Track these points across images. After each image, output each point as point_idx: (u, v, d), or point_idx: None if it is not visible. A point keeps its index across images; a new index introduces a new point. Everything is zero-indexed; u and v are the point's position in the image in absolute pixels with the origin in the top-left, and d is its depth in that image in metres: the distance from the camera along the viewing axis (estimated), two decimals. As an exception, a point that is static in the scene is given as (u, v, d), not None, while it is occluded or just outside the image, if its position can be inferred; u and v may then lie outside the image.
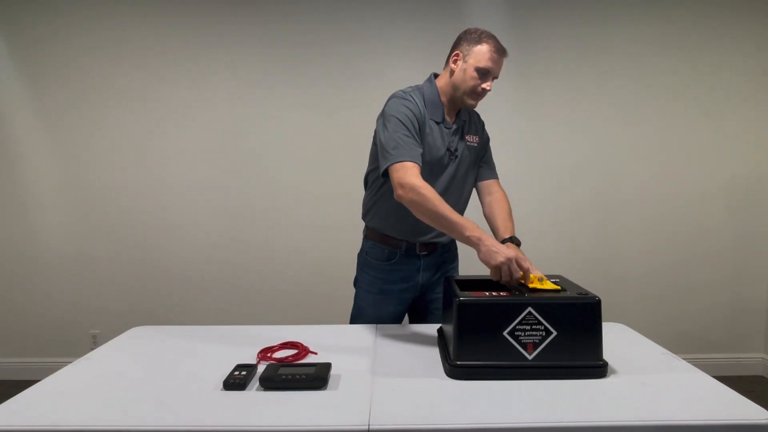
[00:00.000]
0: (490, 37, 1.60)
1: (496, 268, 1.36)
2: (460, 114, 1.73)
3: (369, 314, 1.78)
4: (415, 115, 1.59)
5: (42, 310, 3.11)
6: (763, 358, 3.15)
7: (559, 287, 1.30)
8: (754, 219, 3.09)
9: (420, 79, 1.76)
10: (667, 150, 3.05)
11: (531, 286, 1.31)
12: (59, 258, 3.08)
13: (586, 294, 1.25)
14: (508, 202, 1.77)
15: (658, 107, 3.03)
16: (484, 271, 1.44)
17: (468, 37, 1.62)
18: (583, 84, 3.02)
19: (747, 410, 1.02)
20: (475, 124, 1.80)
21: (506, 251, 1.36)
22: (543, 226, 3.06)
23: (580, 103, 3.03)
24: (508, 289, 1.34)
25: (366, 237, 1.83)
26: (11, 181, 3.05)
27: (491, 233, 1.65)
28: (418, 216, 1.49)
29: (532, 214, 3.05)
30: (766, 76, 3.01)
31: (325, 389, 1.14)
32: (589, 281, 1.37)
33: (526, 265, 1.36)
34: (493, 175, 1.84)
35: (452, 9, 2.97)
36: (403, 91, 1.66)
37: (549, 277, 1.40)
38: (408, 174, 1.48)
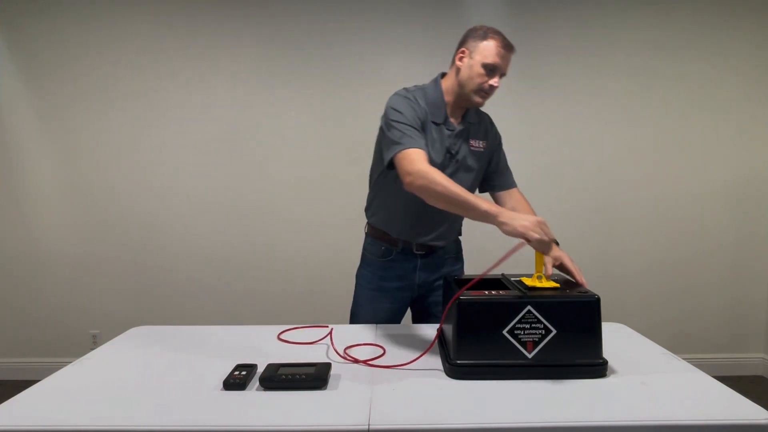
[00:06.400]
0: (497, 33, 1.59)
1: (531, 231, 1.23)
2: (467, 116, 1.69)
3: (365, 310, 1.79)
4: (416, 111, 1.58)
5: (42, 310, 3.11)
6: (763, 358, 3.15)
7: (558, 285, 1.30)
8: (754, 219, 3.09)
9: (419, 79, 1.76)
10: (668, 150, 3.05)
11: (530, 284, 1.31)
12: (59, 258, 3.08)
13: (586, 292, 1.25)
14: (529, 205, 1.77)
15: (657, 107, 3.03)
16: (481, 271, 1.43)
17: (474, 34, 1.60)
18: (582, 84, 3.02)
19: (746, 410, 1.02)
20: (485, 129, 1.75)
21: (531, 216, 1.30)
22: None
23: (579, 103, 3.03)
24: (507, 288, 1.34)
25: (366, 233, 1.84)
26: (11, 181, 3.05)
27: None
28: (430, 201, 1.41)
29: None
30: (765, 76, 3.01)
31: (325, 389, 1.14)
32: (588, 280, 1.36)
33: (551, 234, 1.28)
34: (512, 183, 1.81)
35: (452, 9, 2.97)
36: (406, 89, 1.64)
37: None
38: (415, 161, 1.43)
